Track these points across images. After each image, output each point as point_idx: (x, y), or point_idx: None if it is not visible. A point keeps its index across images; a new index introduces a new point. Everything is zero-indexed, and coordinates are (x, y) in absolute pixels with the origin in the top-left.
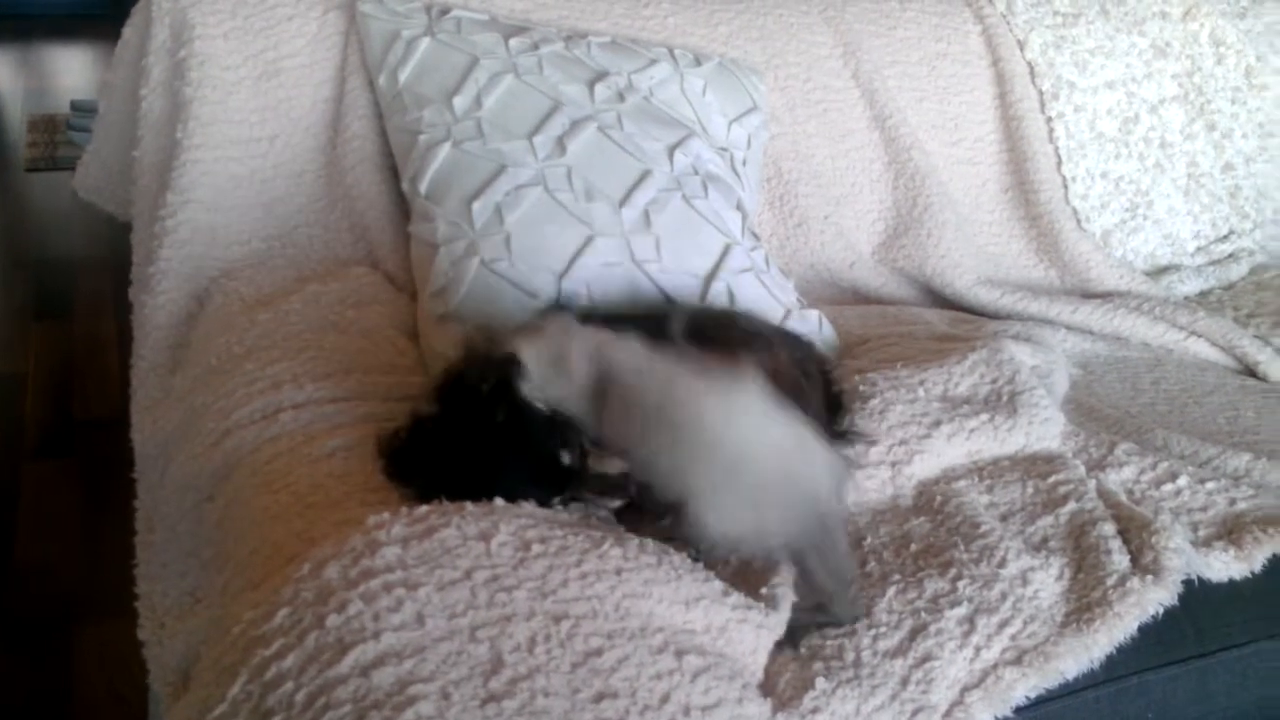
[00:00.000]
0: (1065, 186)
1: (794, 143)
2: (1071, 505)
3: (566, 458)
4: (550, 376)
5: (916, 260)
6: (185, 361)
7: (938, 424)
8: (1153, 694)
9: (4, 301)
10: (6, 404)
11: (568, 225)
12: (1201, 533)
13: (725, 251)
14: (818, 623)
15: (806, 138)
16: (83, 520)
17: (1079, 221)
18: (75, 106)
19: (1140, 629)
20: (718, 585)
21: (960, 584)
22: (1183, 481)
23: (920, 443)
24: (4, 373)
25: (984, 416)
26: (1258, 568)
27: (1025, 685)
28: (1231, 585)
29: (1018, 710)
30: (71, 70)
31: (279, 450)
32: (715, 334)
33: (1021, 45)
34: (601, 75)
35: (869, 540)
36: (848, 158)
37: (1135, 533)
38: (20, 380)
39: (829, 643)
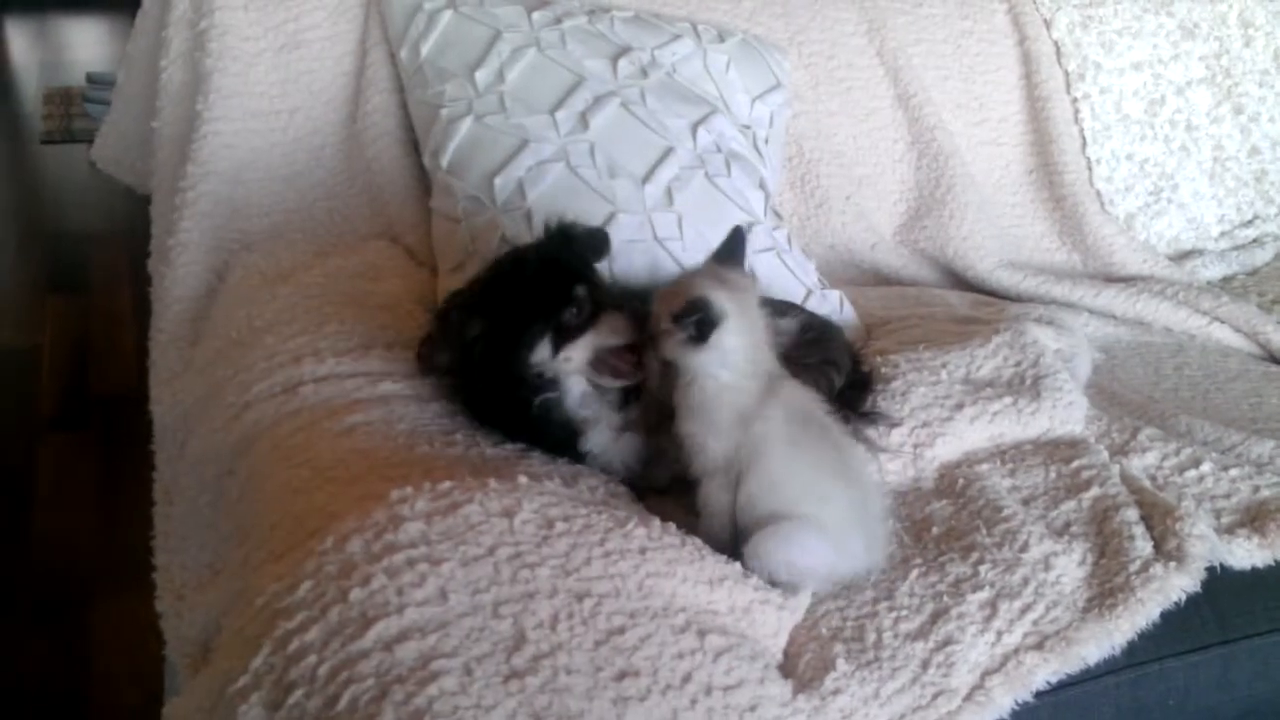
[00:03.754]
0: (1090, 169)
1: (816, 121)
2: (1095, 490)
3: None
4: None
5: (938, 242)
6: (205, 334)
7: (960, 406)
8: (1174, 680)
9: (19, 274)
10: (22, 377)
11: (590, 202)
12: (1225, 520)
13: (747, 230)
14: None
15: (829, 116)
16: (99, 494)
17: (1103, 204)
18: (91, 79)
19: (1162, 615)
20: (740, 566)
21: (982, 568)
22: (1206, 468)
23: (942, 425)
24: (20, 346)
25: (1007, 400)
26: None
27: (1046, 670)
28: (1254, 573)
29: (1038, 695)
30: (87, 43)
31: (299, 424)
32: None
33: (1048, 24)
34: (624, 50)
35: (890, 523)
36: (870, 137)
37: (1158, 519)
38: (36, 354)
39: (850, 624)
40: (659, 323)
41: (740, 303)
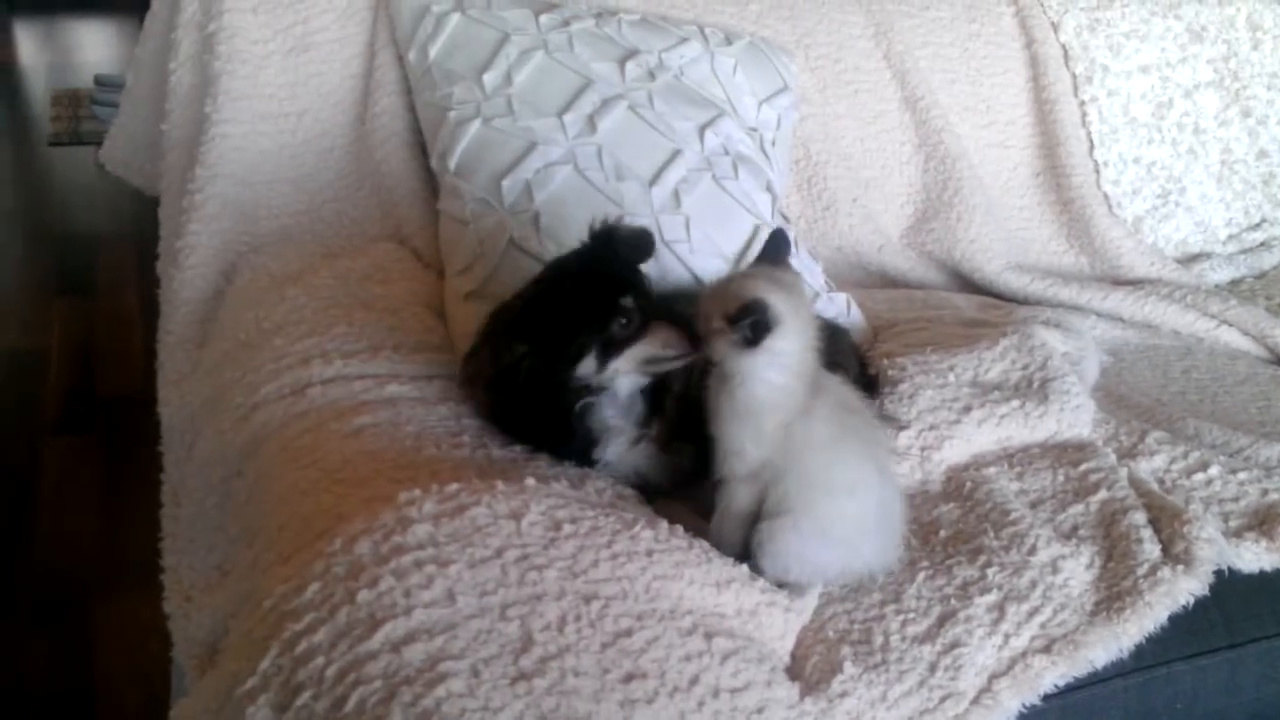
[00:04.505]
0: (1097, 171)
1: (824, 124)
2: (1102, 493)
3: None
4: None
5: (946, 244)
6: (213, 336)
7: (968, 409)
8: (1181, 684)
9: (27, 276)
10: (29, 380)
11: (597, 204)
12: (1233, 523)
13: (755, 233)
14: None
15: (836, 119)
16: (104, 496)
17: (1110, 207)
18: (99, 81)
19: (1170, 619)
20: (746, 569)
21: (990, 571)
22: (1214, 471)
23: (950, 428)
24: (27, 348)
25: (1015, 403)
26: None
27: (1054, 673)
28: (1262, 576)
29: (1046, 698)
30: (95, 45)
31: (308, 426)
32: None
33: (1055, 28)
34: (632, 53)
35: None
36: (878, 140)
37: (1166, 522)
38: (43, 356)
39: (857, 627)
40: (709, 322)
41: (795, 305)
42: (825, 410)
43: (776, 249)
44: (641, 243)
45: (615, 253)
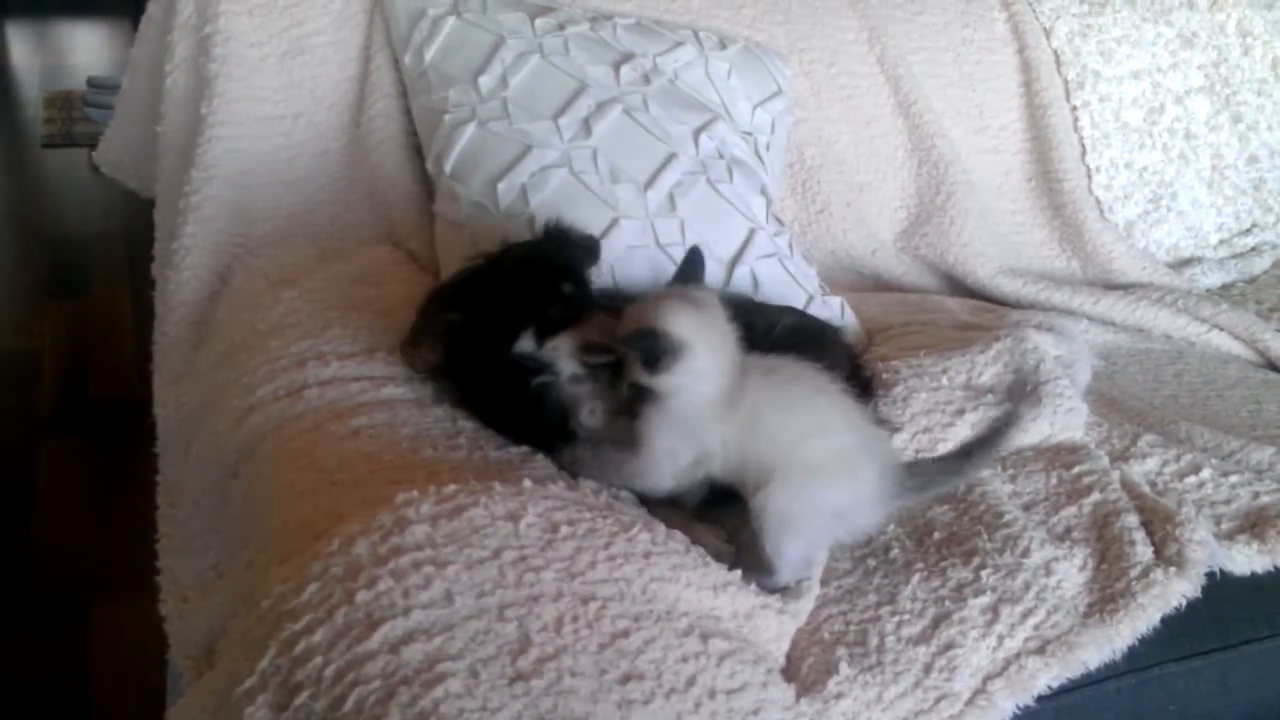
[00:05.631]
0: (1089, 176)
1: (817, 128)
2: (1095, 496)
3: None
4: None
5: (939, 249)
6: (209, 337)
7: (961, 412)
8: (1173, 685)
9: (20, 278)
10: (23, 382)
11: (593, 207)
12: (1225, 525)
13: (749, 236)
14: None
15: (830, 123)
16: (99, 498)
17: (1102, 212)
18: (92, 83)
19: (1162, 621)
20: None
21: (984, 573)
22: (1206, 474)
23: (944, 431)
24: (20, 350)
25: (1008, 406)
26: None
27: (1048, 675)
28: (1254, 579)
29: (1039, 699)
30: (88, 47)
31: (304, 427)
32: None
33: (1047, 33)
34: (627, 57)
35: (892, 528)
36: (871, 144)
37: (1159, 524)
38: (36, 357)
39: (852, 628)
40: (624, 347)
41: (701, 322)
42: (756, 379)
43: (691, 267)
44: (590, 245)
45: (562, 248)
